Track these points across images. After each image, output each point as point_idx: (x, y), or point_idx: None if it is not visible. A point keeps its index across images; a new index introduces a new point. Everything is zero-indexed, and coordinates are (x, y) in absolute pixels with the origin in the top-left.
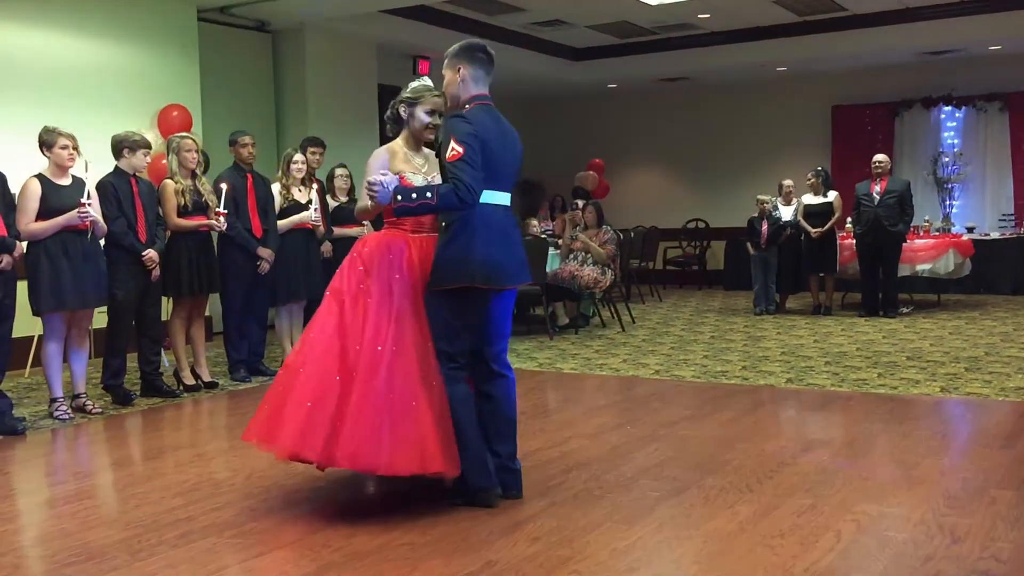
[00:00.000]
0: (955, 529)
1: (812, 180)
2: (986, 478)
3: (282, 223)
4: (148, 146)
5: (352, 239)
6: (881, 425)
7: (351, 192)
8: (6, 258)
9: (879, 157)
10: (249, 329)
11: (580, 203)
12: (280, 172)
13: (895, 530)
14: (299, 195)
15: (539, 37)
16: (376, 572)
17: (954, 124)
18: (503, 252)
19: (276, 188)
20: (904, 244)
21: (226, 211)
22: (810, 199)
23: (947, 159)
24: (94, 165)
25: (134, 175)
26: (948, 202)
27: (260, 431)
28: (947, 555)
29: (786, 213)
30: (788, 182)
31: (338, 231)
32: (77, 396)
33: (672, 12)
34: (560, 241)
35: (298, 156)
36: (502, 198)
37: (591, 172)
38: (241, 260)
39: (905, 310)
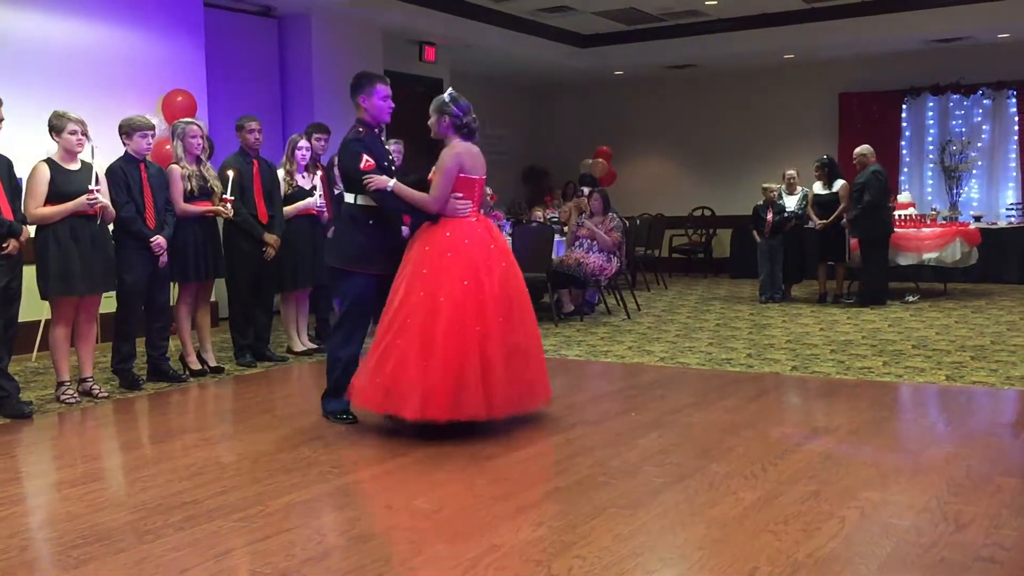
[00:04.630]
0: (959, 516)
1: (818, 172)
2: (991, 466)
3: (287, 209)
4: (146, 127)
5: None
6: (886, 413)
7: None
8: (12, 242)
9: (789, 172)
10: (255, 315)
11: (586, 190)
12: (284, 158)
13: (899, 517)
14: (303, 181)
15: (546, 23)
16: (381, 555)
17: (962, 112)
18: None
19: (281, 174)
20: (912, 233)
21: (232, 197)
22: (819, 188)
23: (955, 147)
24: (98, 151)
25: (143, 160)
26: (955, 190)
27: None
28: (951, 542)
29: (790, 203)
30: (791, 172)
31: None
32: (83, 380)
33: None
34: (566, 228)
35: (303, 142)
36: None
37: (598, 159)
38: (247, 246)
39: (911, 299)
